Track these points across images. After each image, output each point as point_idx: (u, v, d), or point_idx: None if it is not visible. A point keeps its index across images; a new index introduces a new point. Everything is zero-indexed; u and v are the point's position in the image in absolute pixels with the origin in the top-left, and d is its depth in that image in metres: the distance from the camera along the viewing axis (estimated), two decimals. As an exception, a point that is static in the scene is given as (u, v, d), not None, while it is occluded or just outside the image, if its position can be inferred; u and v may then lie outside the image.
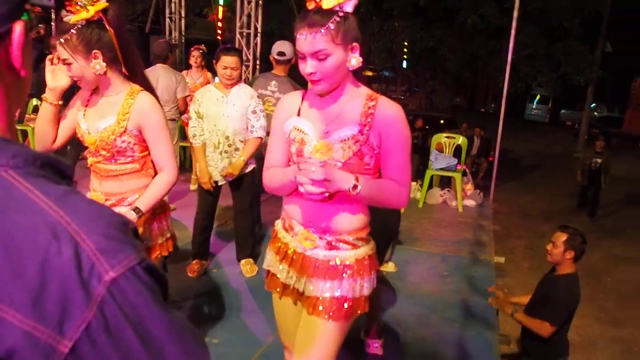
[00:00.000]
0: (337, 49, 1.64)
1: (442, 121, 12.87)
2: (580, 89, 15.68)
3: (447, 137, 7.82)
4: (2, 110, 0.66)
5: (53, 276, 0.56)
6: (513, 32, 7.58)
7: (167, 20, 11.39)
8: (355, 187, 1.65)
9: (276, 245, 1.94)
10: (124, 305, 0.59)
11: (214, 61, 3.78)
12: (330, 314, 1.80)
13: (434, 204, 7.24)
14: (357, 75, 1.81)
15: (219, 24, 14.06)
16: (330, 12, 1.62)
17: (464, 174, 7.67)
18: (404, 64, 18.35)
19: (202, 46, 6.71)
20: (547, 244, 3.42)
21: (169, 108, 5.65)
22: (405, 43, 14.45)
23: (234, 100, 3.76)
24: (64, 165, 0.68)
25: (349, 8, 1.64)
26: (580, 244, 3.25)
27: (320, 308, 1.81)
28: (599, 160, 9.20)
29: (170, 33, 11.35)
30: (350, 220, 1.83)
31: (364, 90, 1.82)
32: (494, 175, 7.79)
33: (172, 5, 11.32)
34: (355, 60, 1.70)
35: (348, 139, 1.73)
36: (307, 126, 1.79)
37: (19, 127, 8.33)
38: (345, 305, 1.81)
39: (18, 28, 0.65)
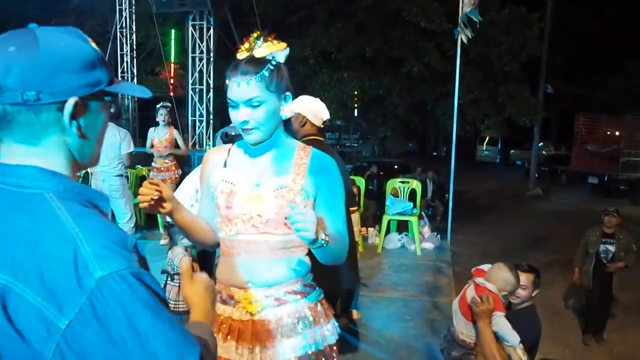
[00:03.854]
0: (270, 96, 1.62)
1: (396, 166, 13.10)
2: (527, 129, 16.32)
3: (402, 181, 7.95)
4: (69, 154, 0.94)
5: (59, 269, 0.78)
6: (457, 78, 7.89)
7: (120, 79, 11.38)
8: (326, 236, 1.56)
9: (216, 323, 1.72)
10: (111, 299, 0.78)
11: None
12: None
13: (392, 248, 7.28)
14: (288, 127, 1.80)
15: (171, 81, 14.12)
16: (263, 61, 1.61)
17: (421, 217, 7.76)
18: (355, 113, 18.76)
19: (168, 103, 6.77)
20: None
21: (115, 164, 5.63)
22: (355, 92, 14.80)
23: None
24: (98, 195, 0.94)
25: (281, 58, 1.66)
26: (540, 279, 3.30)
27: None
28: (612, 248, 5.47)
29: (122, 92, 11.34)
30: (293, 268, 1.73)
31: (295, 141, 1.80)
32: (450, 218, 7.90)
33: (125, 64, 11.36)
34: (288, 109, 1.69)
35: (281, 188, 1.67)
36: (235, 177, 1.73)
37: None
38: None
39: (70, 103, 0.90)
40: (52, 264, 0.78)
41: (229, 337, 1.70)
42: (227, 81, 1.65)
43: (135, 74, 11.60)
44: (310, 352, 1.70)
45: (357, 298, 4.90)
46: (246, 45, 1.64)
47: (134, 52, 11.66)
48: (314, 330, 1.72)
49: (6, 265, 0.79)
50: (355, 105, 16.60)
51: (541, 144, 20.97)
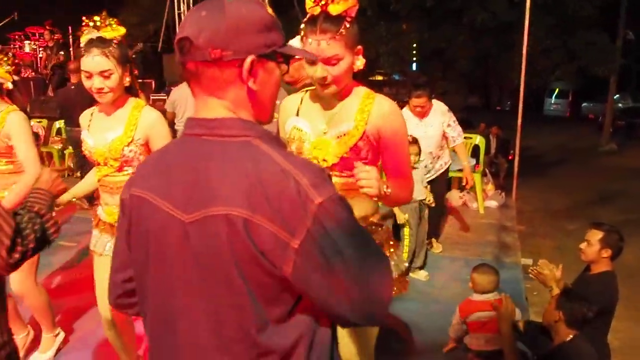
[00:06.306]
0: (347, 53, 1.72)
1: (457, 122, 12.60)
2: (602, 80, 15.23)
3: (464, 137, 7.58)
4: (249, 107, 1.08)
5: (285, 200, 0.95)
6: (527, 26, 7.33)
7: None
8: (387, 187, 1.74)
9: None
10: (330, 217, 0.96)
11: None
12: None
13: (454, 206, 7.01)
14: (356, 76, 1.90)
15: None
16: (339, 18, 1.68)
17: (484, 174, 7.44)
18: (414, 67, 18.16)
19: None
20: (577, 242, 3.21)
21: None
22: (414, 45, 14.23)
23: (431, 122, 4.73)
24: (281, 140, 1.12)
25: (353, 13, 1.73)
26: (618, 242, 3.03)
27: None
28: None
29: (180, 51, 11.40)
30: (365, 207, 1.92)
31: (362, 89, 1.89)
32: (516, 174, 7.53)
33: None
34: (360, 62, 1.80)
35: (344, 134, 1.81)
36: (305, 125, 1.89)
37: (43, 149, 8.34)
38: None
39: (248, 60, 1.03)
40: (280, 196, 0.95)
41: None
42: (302, 37, 1.75)
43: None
44: None
45: (426, 259, 4.74)
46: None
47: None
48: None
49: (243, 202, 0.96)
50: (414, 58, 16.02)
51: (617, 95, 19.61)
